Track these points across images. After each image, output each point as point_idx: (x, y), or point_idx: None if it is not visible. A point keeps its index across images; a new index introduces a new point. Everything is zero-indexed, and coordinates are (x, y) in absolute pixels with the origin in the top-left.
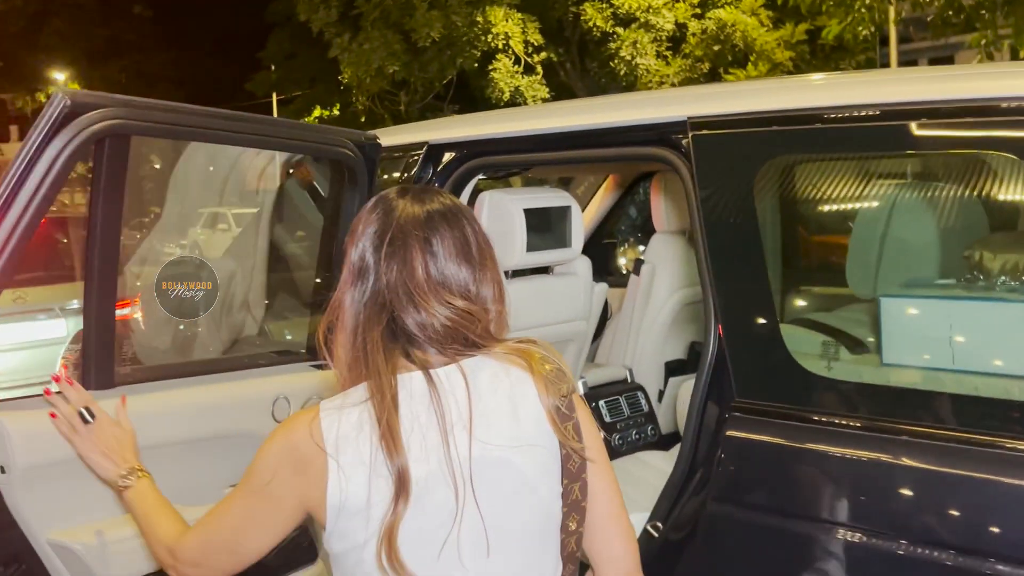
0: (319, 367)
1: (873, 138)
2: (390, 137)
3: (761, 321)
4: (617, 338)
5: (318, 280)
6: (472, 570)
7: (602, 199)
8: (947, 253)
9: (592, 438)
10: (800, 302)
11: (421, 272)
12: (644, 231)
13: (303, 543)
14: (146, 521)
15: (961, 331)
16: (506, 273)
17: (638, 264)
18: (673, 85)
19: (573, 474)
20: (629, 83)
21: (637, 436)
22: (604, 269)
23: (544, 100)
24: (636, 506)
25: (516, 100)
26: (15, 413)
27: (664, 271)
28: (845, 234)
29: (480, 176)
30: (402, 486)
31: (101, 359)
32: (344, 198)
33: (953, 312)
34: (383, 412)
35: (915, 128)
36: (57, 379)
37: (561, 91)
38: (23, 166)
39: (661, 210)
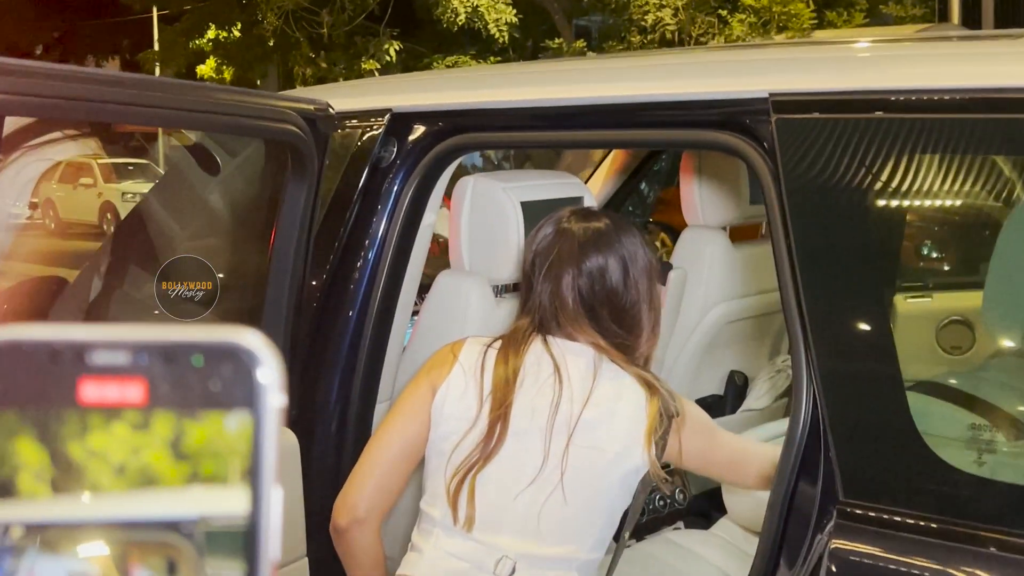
0: None
1: None
2: (340, 99)
3: (879, 388)
4: None
5: (241, 289)
6: (533, 524)
7: (608, 174)
8: None
9: (700, 446)
10: (933, 359)
11: (570, 301)
12: (666, 216)
13: None
14: None
15: None
16: (497, 288)
17: (664, 269)
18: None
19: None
20: None
21: (662, 502)
22: None
23: (508, 24)
24: None
25: (474, 24)
26: None
27: (699, 279)
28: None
29: (463, 158)
30: (492, 436)
31: None
32: (288, 190)
33: None
34: (503, 381)
35: None
36: None
37: (531, 13)
38: None
39: (695, 197)
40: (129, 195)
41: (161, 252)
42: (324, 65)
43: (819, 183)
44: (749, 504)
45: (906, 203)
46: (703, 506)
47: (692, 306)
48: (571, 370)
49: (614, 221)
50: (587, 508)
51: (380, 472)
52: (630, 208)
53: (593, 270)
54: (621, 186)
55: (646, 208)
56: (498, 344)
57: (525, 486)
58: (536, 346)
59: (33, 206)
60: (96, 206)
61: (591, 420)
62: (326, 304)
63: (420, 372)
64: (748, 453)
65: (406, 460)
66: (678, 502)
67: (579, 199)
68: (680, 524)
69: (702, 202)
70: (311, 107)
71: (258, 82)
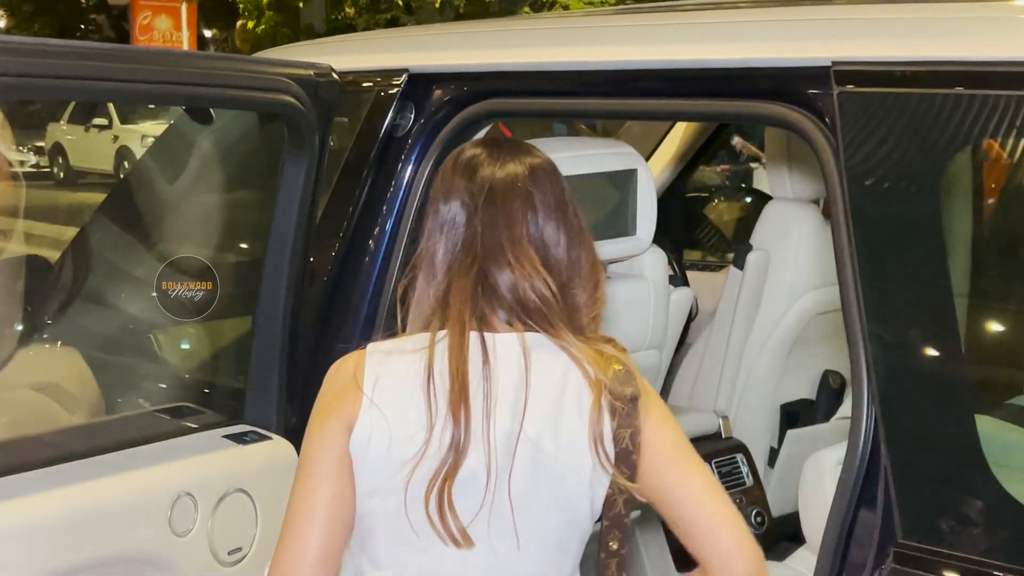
0: (239, 439)
1: None
2: (350, 56)
3: (944, 409)
4: (706, 367)
5: (231, 280)
6: (497, 554)
7: (683, 135)
8: None
9: (667, 451)
10: (1010, 378)
11: (521, 228)
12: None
13: None
14: None
15: None
16: None
17: (742, 251)
18: None
19: (617, 485)
20: None
21: None
22: (683, 240)
23: None
24: None
25: None
26: None
27: (786, 262)
28: None
29: (490, 126)
30: (467, 442)
31: None
32: (286, 168)
33: None
34: (458, 367)
35: None
36: None
37: None
38: None
39: (784, 168)
40: (150, 138)
41: (156, 231)
42: None
43: (888, 166)
44: None
45: (993, 201)
46: (780, 528)
47: (777, 294)
48: (505, 368)
49: (545, 154)
50: (548, 534)
51: (315, 546)
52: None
53: (545, 198)
54: (701, 147)
55: (735, 169)
56: (411, 346)
57: (476, 512)
58: (472, 337)
59: (34, 148)
60: (112, 152)
61: (534, 442)
62: (333, 296)
63: (318, 408)
64: (722, 494)
65: (341, 522)
66: (754, 526)
67: (631, 172)
68: None
69: (791, 170)
70: (311, 72)
71: (300, 5)
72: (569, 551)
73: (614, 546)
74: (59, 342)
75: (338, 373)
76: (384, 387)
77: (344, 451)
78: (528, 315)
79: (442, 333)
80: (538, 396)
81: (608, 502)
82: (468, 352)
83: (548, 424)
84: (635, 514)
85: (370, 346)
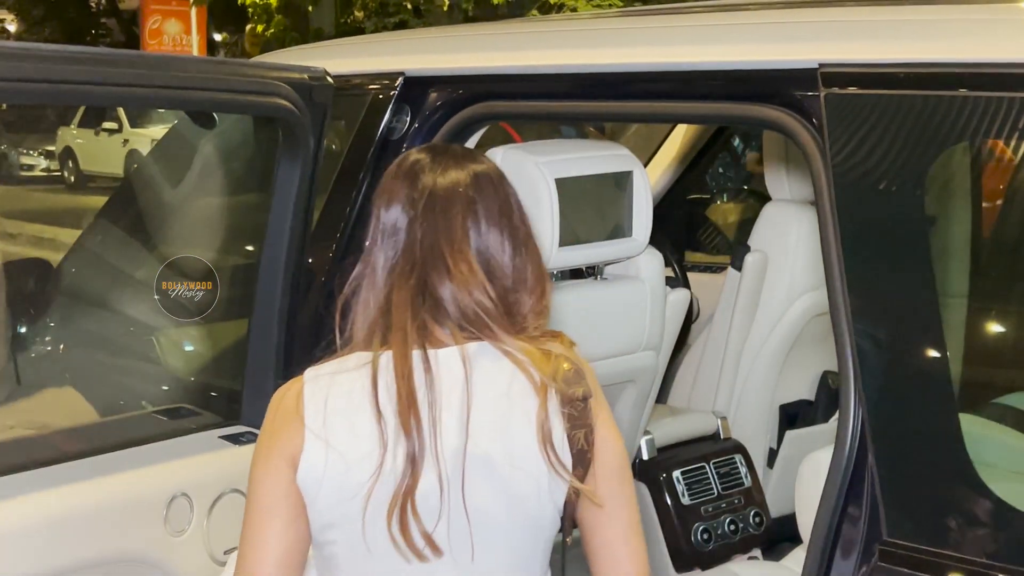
0: (235, 440)
1: None
2: (341, 61)
3: (930, 409)
4: (705, 368)
5: (226, 287)
6: (460, 565)
7: (683, 138)
8: None
9: (613, 466)
10: (993, 378)
11: (461, 235)
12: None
13: None
14: None
15: None
16: None
17: (740, 253)
18: None
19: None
20: None
21: (732, 527)
22: (685, 241)
23: None
24: None
25: None
26: None
27: (784, 263)
28: None
29: (485, 128)
30: (421, 455)
31: None
32: (281, 171)
33: None
34: (404, 378)
35: None
36: None
37: None
38: None
39: (781, 169)
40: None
41: (155, 234)
42: None
43: (875, 168)
44: None
45: (980, 202)
46: (779, 528)
47: (775, 295)
48: (448, 383)
49: (492, 161)
50: (512, 540)
51: None
52: (720, 170)
53: (488, 206)
54: (704, 147)
55: (740, 169)
56: (353, 363)
57: (434, 526)
58: (415, 355)
59: (45, 152)
60: (122, 155)
61: (484, 456)
62: (330, 298)
63: (261, 443)
64: (640, 528)
65: (293, 557)
66: (752, 527)
67: (627, 174)
68: (757, 552)
69: (789, 172)
70: (305, 76)
71: (309, 8)
72: (536, 554)
73: (570, 542)
74: (57, 352)
75: (279, 405)
76: (332, 410)
77: (290, 486)
78: (469, 323)
79: (384, 349)
80: (483, 408)
81: (566, 501)
82: (412, 362)
83: (497, 435)
84: None
85: (309, 371)
